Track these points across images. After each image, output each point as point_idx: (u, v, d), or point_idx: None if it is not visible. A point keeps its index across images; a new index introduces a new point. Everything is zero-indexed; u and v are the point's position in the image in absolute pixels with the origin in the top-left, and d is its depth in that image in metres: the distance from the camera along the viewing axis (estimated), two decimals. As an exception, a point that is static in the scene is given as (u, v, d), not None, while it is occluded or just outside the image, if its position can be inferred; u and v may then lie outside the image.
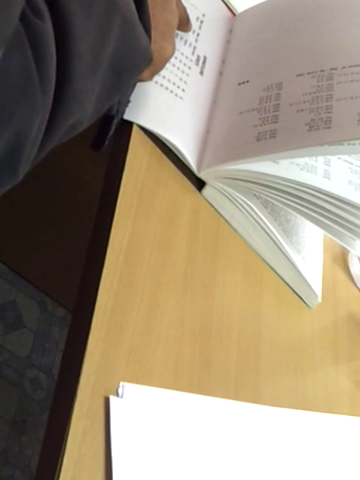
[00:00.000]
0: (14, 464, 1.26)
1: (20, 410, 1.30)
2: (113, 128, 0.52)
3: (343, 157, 0.64)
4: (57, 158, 0.88)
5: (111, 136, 0.52)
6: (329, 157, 0.62)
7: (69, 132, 0.43)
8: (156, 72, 0.55)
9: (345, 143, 0.55)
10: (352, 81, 0.56)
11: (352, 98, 0.54)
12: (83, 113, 0.43)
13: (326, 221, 0.60)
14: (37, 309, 1.40)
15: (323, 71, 0.59)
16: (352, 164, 0.63)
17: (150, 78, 0.55)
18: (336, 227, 0.61)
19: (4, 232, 1.20)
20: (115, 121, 0.52)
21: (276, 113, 0.58)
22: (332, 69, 0.58)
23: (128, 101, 0.53)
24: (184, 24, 0.63)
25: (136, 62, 0.48)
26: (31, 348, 1.37)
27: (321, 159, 0.61)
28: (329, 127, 0.53)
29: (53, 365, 1.39)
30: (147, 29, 0.49)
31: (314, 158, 0.61)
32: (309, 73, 0.59)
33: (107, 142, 0.52)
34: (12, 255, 1.32)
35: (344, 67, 0.58)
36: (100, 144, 0.52)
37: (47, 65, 0.37)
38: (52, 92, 0.38)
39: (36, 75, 0.36)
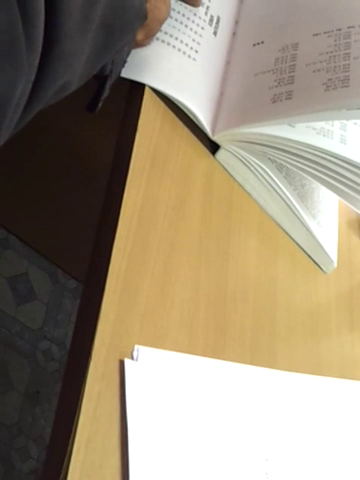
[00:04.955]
0: (27, 435, 1.27)
1: (33, 381, 1.31)
2: (107, 89, 0.50)
3: (359, 122, 0.62)
4: (66, 128, 0.87)
5: (107, 97, 0.50)
6: (345, 122, 0.61)
7: (58, 94, 0.41)
8: (151, 35, 0.53)
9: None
10: (370, 39, 0.55)
11: (370, 56, 0.53)
12: (72, 74, 0.41)
13: (341, 186, 0.59)
14: (49, 281, 1.40)
15: (340, 30, 0.57)
16: (368, 129, 0.62)
17: (145, 42, 0.53)
18: (351, 193, 0.59)
19: (15, 204, 1.20)
20: (109, 82, 0.49)
21: (292, 74, 0.57)
22: (349, 27, 0.57)
23: (124, 62, 0.51)
24: None
25: (129, 20, 0.46)
26: (43, 320, 1.37)
27: (337, 124, 0.60)
28: (347, 86, 0.52)
29: (66, 337, 1.39)
30: None
31: (330, 122, 0.59)
32: (326, 32, 0.58)
33: (101, 104, 0.50)
34: (23, 227, 1.32)
35: (362, 25, 0.57)
36: (94, 106, 0.50)
37: (34, 24, 0.35)
38: (39, 52, 0.36)
39: (22, 34, 0.34)
